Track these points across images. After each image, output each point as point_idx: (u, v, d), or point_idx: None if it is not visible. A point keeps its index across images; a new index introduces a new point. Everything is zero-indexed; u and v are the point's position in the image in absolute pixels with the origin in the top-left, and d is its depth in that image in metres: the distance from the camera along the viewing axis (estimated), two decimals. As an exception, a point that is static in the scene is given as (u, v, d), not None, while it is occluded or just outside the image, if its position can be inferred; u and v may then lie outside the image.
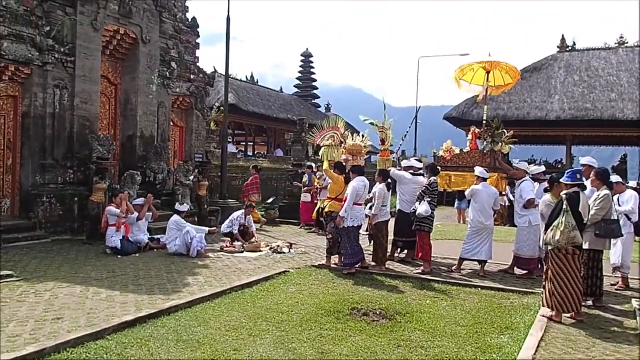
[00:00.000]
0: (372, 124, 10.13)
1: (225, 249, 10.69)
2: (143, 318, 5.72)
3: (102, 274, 8.15)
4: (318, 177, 14.64)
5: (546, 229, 6.46)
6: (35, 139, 11.52)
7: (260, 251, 10.72)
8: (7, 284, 7.21)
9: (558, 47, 31.63)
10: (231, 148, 24.66)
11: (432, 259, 9.35)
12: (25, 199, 11.38)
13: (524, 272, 8.99)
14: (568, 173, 6.54)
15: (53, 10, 11.69)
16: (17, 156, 11.49)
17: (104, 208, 10.74)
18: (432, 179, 9.12)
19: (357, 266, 8.80)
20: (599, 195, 6.95)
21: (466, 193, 9.55)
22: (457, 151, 11.85)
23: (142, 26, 13.70)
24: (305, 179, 15.18)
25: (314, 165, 15.81)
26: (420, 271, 8.85)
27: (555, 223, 6.26)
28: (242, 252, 10.64)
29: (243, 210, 11.94)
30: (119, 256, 9.63)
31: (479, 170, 9.25)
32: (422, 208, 8.88)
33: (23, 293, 6.79)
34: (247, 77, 39.22)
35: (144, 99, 13.98)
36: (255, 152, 34.13)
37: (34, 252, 9.68)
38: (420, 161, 11.56)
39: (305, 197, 14.84)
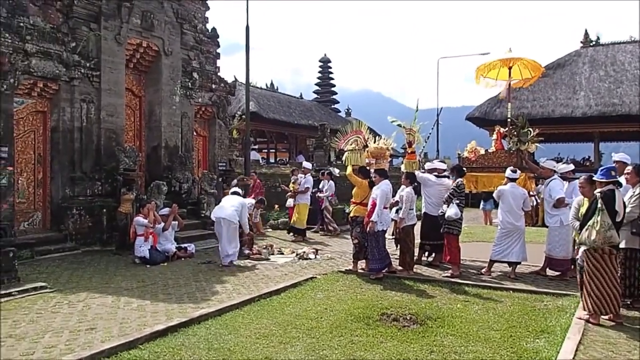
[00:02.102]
0: (399, 125, 10.08)
1: (251, 256, 10.73)
2: (174, 327, 5.77)
3: (132, 283, 8.25)
4: (293, 180, 14.62)
5: (580, 229, 6.32)
6: (64, 153, 11.74)
7: (281, 255, 10.73)
8: (41, 295, 7.36)
9: (581, 42, 31.11)
10: (254, 155, 24.79)
11: (461, 262, 9.26)
12: (55, 211, 11.60)
13: (557, 273, 8.83)
14: (601, 170, 6.40)
15: (78, 26, 11.92)
16: (47, 170, 11.72)
17: (132, 218, 10.88)
18: (459, 180, 9.04)
19: (384, 271, 8.75)
20: (634, 192, 6.77)
21: (494, 194, 9.42)
22: (482, 151, 11.69)
23: (163, 38, 13.88)
24: (323, 185, 15.06)
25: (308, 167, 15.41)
26: (449, 274, 8.76)
27: (590, 222, 6.11)
28: (269, 258, 10.67)
29: (253, 201, 12.00)
30: (148, 266, 9.74)
31: (509, 171, 9.12)
32: (451, 210, 8.79)
33: (57, 304, 6.91)
34: (266, 85, 39.46)
35: (167, 110, 14.16)
36: (277, 159, 34.28)
37: (66, 264, 9.86)
38: (444, 163, 11.45)
39: (289, 203, 14.66)
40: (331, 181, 15.06)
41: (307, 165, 15.43)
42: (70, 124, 11.83)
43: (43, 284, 7.85)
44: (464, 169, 9.81)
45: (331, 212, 14.97)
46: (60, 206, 11.52)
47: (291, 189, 14.36)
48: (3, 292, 7.22)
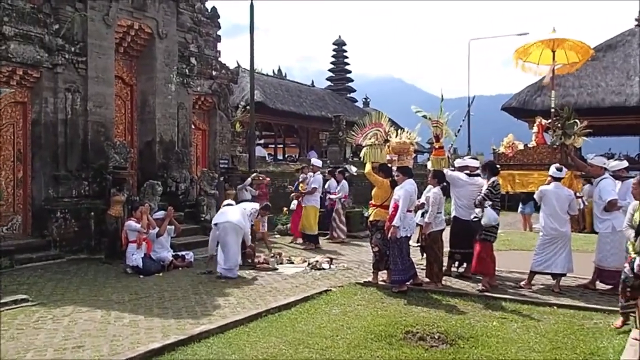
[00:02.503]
0: (424, 116, 10.04)
1: (257, 265, 10.78)
2: (171, 345, 5.81)
3: (123, 296, 8.31)
4: (301, 179, 14.62)
5: (635, 237, 6.26)
6: (46, 149, 11.87)
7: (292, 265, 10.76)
8: (22, 308, 7.43)
9: (636, 19, 30.72)
10: (259, 151, 24.89)
11: (497, 273, 9.22)
12: (37, 214, 11.73)
13: (609, 286, 8.74)
14: None
15: (61, 6, 12.04)
16: (28, 168, 11.86)
17: (123, 223, 10.97)
18: (494, 179, 8.98)
19: (408, 283, 8.74)
20: None
21: (535, 195, 9.36)
22: (521, 146, 11.61)
23: (157, 19, 13.99)
24: (329, 185, 15.02)
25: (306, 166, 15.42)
26: (482, 287, 8.73)
27: None
28: (277, 268, 10.71)
29: (257, 207, 11.56)
30: (141, 276, 9.81)
31: (553, 169, 9.05)
32: (489, 215, 8.73)
33: (40, 319, 6.99)
34: (273, 71, 39.57)
35: (162, 100, 14.26)
36: (286, 156, 34.36)
37: (49, 273, 9.95)
38: (476, 159, 11.38)
39: (293, 205, 14.71)
40: (344, 181, 15.00)
41: (316, 162, 15.38)
42: (54, 116, 11.96)
43: (24, 296, 7.92)
44: (498, 166, 9.75)
45: (343, 216, 14.90)
46: (43, 209, 11.65)
47: (300, 189, 14.35)
48: (-20, 305, 7.31)
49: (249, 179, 14.96)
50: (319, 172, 14.58)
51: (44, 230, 11.53)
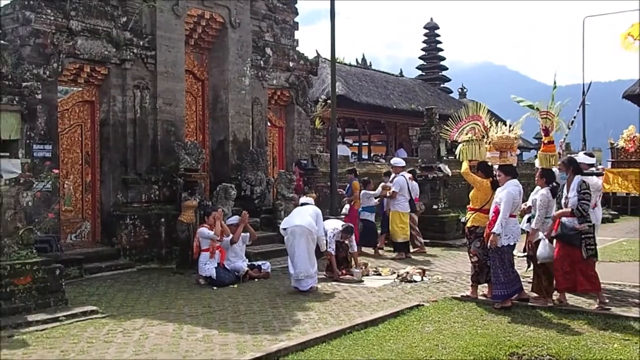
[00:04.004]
0: (530, 106, 9.79)
1: (340, 277, 10.84)
2: (247, 363, 5.95)
3: (196, 309, 8.60)
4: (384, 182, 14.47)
5: None
6: (115, 150, 12.45)
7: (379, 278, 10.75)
8: (91, 320, 7.85)
9: None
10: (342, 150, 24.95)
11: (619, 288, 8.91)
12: (106, 221, 12.33)
13: None
14: None
15: (129, -4, 12.58)
16: (96, 171, 12.49)
17: (195, 230, 11.32)
18: (579, 179, 8.48)
19: (512, 298, 8.56)
20: None
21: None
22: (644, 140, 11.14)
23: (229, 7, 14.35)
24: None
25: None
26: (599, 305, 8.38)
27: None
28: (362, 281, 10.74)
29: (339, 228, 11.15)
30: (215, 287, 10.10)
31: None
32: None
33: (109, 332, 7.34)
34: (357, 61, 39.59)
35: (235, 96, 14.62)
36: (372, 155, 34.32)
37: (119, 284, 10.45)
38: (592, 156, 11.01)
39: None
40: (414, 182, 14.90)
41: (396, 162, 15.07)
42: (122, 115, 12.52)
43: (94, 307, 8.36)
44: (580, 164, 9.39)
45: (416, 222, 14.79)
46: (112, 215, 12.22)
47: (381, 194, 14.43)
48: (49, 316, 7.77)
49: (379, 188, 14.80)
50: (401, 173, 14.41)
51: (113, 238, 12.10)
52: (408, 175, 14.53)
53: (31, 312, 7.81)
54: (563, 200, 8.51)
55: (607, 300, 8.37)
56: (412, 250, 14.34)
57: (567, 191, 8.47)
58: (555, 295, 8.72)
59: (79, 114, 12.35)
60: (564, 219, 8.34)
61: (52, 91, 11.40)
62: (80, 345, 6.77)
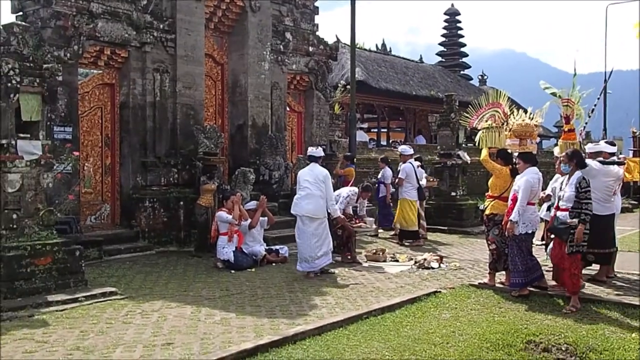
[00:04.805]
0: (553, 94, 9.71)
1: (367, 255, 11.09)
2: (264, 346, 6.00)
3: (214, 292, 8.67)
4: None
5: None
6: (135, 134, 12.53)
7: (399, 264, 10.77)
8: (110, 302, 7.93)
9: None
10: (360, 136, 24.93)
11: (637, 278, 8.82)
12: (125, 203, 12.44)
13: None
14: None
15: (150, -21, 12.59)
16: (116, 154, 12.58)
17: (213, 213, 11.38)
18: (578, 175, 8.16)
19: (530, 287, 8.51)
20: None
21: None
22: (668, 129, 10.99)
23: (250, -9, 14.30)
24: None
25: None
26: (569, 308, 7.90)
27: None
28: (385, 262, 10.92)
29: (355, 189, 11.95)
30: (232, 271, 10.17)
31: None
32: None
33: (129, 313, 7.42)
34: (377, 46, 39.46)
35: (254, 80, 14.61)
36: (391, 141, 34.23)
37: (138, 266, 10.55)
38: (613, 144, 10.91)
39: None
40: (421, 169, 14.92)
41: (404, 149, 14.94)
42: (142, 98, 12.58)
43: (113, 289, 8.45)
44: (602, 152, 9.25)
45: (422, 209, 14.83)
46: (131, 197, 12.33)
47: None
48: (69, 297, 7.86)
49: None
50: (410, 161, 14.28)
51: (132, 221, 12.22)
52: (416, 163, 14.44)
53: (51, 292, 7.90)
54: (560, 193, 8.27)
55: (579, 306, 7.88)
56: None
57: (566, 184, 8.19)
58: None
59: (99, 97, 12.42)
60: (558, 213, 8.17)
61: (73, 73, 11.47)
62: (99, 326, 6.84)
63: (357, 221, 11.29)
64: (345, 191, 11.88)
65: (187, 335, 6.54)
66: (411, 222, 13.71)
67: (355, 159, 15.84)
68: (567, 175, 8.29)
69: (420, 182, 14.27)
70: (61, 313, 7.33)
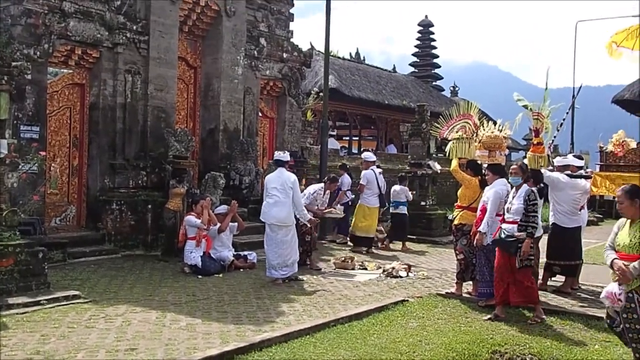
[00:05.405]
0: (525, 106, 9.80)
1: (335, 263, 11.12)
2: (230, 353, 5.93)
3: (180, 297, 8.55)
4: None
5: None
6: (104, 135, 12.34)
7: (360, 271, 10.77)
8: (73, 305, 7.77)
9: None
10: (332, 143, 24.93)
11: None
12: (92, 205, 12.25)
13: None
14: None
15: (124, -20, 12.46)
16: (84, 155, 12.38)
17: (182, 217, 11.26)
18: (527, 188, 8.10)
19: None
20: None
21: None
22: (634, 145, 11.16)
23: (225, -5, 14.24)
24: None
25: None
26: (532, 319, 7.92)
27: None
28: (354, 269, 10.85)
29: (321, 185, 12.11)
30: (200, 276, 10.05)
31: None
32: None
33: (92, 317, 7.28)
34: (351, 55, 39.63)
35: (227, 84, 14.54)
36: (362, 149, 34.30)
37: (103, 269, 10.36)
38: (580, 158, 11.07)
39: None
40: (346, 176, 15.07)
41: (367, 156, 15.19)
42: (112, 99, 12.41)
43: (76, 292, 8.28)
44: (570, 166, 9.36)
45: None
46: (98, 199, 12.14)
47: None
48: (30, 300, 7.68)
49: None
50: (372, 167, 14.31)
51: (98, 223, 12.03)
52: (378, 170, 14.48)
53: (12, 294, 7.71)
54: (507, 205, 8.12)
55: (543, 316, 7.91)
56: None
57: (513, 197, 8.06)
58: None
59: (69, 97, 12.23)
60: (504, 225, 8.03)
61: (42, 72, 11.27)
62: (61, 330, 6.70)
63: (309, 262, 11.26)
64: (311, 188, 11.95)
65: (151, 340, 6.44)
66: (366, 229, 13.76)
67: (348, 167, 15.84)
68: (515, 188, 8.14)
69: (382, 190, 14.26)
70: (22, 316, 7.17)
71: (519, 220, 7.85)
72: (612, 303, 5.69)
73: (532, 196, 7.94)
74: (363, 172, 14.19)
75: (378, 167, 15.05)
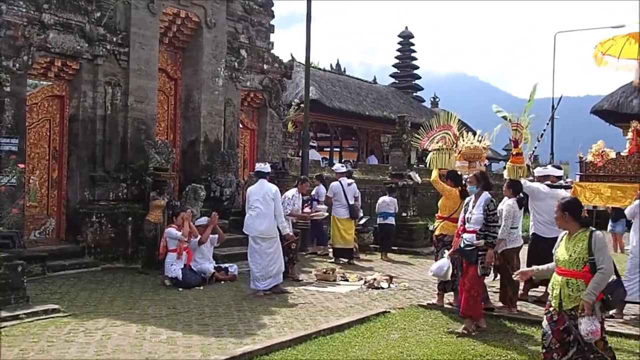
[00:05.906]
0: (504, 117, 9.90)
1: (316, 274, 11.09)
2: (211, 366, 5.90)
3: (161, 310, 8.51)
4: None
5: None
6: (84, 147, 12.27)
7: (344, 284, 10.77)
8: (53, 319, 7.70)
9: None
10: (313, 155, 24.94)
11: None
12: (72, 218, 12.15)
13: None
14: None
15: (104, -9, 12.43)
16: (64, 167, 12.30)
17: (162, 230, 11.21)
18: (486, 196, 8.10)
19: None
20: None
21: (626, 211, 9.13)
22: (613, 155, 11.30)
23: (205, 7, 14.26)
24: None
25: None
26: (461, 331, 7.85)
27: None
28: (336, 280, 10.86)
29: (295, 189, 12.23)
30: (180, 289, 9.99)
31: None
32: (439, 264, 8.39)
33: (71, 331, 7.21)
34: (331, 66, 39.72)
35: (208, 96, 14.53)
36: (343, 160, 34.38)
37: (83, 282, 10.27)
38: (560, 168, 11.19)
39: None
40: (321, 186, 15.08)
41: (337, 167, 15.41)
42: (92, 111, 12.35)
43: (55, 306, 8.20)
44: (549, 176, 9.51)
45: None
46: (78, 212, 12.05)
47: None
48: (9, 314, 7.59)
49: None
50: (340, 179, 14.38)
51: (78, 236, 11.93)
52: (347, 181, 14.50)
53: (-9, 308, 7.63)
54: (467, 215, 8.10)
55: (472, 329, 7.77)
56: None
57: (473, 207, 8.07)
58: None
59: (48, 109, 12.16)
60: (464, 235, 8.03)
61: (21, 84, 11.19)
62: (40, 344, 6.64)
63: (312, 211, 11.44)
64: (289, 193, 12.00)
65: (131, 354, 6.40)
66: (343, 240, 13.83)
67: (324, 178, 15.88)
68: (474, 197, 8.18)
69: (350, 201, 14.19)
70: (0, 330, 7.08)
71: (478, 229, 7.88)
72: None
73: (492, 206, 7.96)
74: (331, 184, 14.31)
75: (351, 177, 15.14)
